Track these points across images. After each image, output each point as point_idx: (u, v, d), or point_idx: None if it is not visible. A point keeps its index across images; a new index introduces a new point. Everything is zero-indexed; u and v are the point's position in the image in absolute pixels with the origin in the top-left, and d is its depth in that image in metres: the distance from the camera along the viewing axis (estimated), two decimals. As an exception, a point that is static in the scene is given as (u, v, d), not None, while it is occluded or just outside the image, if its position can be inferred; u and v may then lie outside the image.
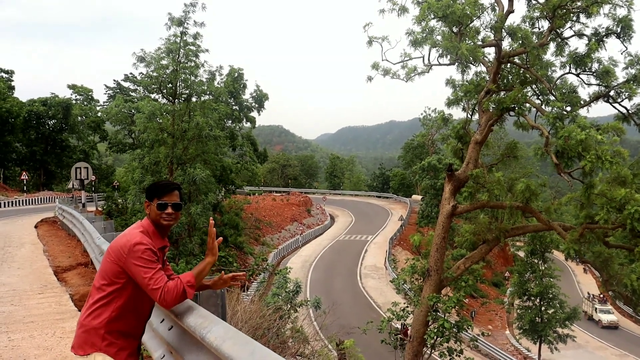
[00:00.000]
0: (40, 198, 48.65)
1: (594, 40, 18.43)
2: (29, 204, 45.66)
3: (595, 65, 18.65)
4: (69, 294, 10.20)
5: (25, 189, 54.34)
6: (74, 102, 67.19)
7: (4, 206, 42.63)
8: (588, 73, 18.94)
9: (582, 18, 18.66)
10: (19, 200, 45.45)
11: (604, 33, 18.52)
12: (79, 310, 8.82)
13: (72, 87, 70.22)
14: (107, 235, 10.18)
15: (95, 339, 3.34)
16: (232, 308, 8.20)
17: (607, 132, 16.94)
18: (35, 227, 23.58)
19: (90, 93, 71.28)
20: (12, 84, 65.10)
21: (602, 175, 17.63)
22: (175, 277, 3.67)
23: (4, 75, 64.71)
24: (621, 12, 18.03)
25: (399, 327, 34.44)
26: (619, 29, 18.26)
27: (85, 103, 70.01)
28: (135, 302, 3.48)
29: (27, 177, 54.43)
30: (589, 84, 19.20)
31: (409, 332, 35.47)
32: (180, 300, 3.36)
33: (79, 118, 66.74)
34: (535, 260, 39.14)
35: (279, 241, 58.93)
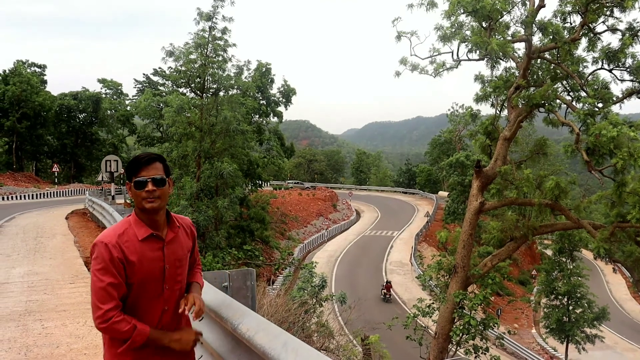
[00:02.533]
0: (71, 190, 49.59)
1: (628, 35, 18.03)
2: (60, 195, 46.58)
3: (629, 61, 18.26)
4: (100, 284, 10.37)
5: (56, 181, 55.49)
6: (103, 96, 68.21)
7: (36, 198, 43.56)
8: (621, 69, 18.56)
9: (616, 12, 18.26)
10: (51, 192, 46.38)
11: (638, 28, 18.13)
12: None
13: (102, 81, 71.25)
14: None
15: (107, 355, 2.89)
16: (258, 301, 8.27)
17: (640, 129, 16.61)
18: (66, 218, 24.04)
19: (120, 87, 72.26)
20: (45, 78, 66.33)
21: (634, 173, 17.33)
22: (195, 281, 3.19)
23: (37, 69, 65.92)
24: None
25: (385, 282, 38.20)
26: (654, 24, 17.88)
27: (115, 97, 71.00)
28: (137, 315, 2.84)
29: (58, 170, 55.56)
30: (622, 80, 18.82)
31: (391, 288, 38.53)
32: (117, 337, 2.77)
33: (109, 112, 67.72)
34: (563, 259, 38.58)
35: (304, 236, 59.07)
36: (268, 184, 66.19)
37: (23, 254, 14.25)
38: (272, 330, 3.02)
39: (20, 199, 41.81)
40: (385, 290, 39.05)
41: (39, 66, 66.71)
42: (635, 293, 57.11)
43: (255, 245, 45.94)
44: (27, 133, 59.34)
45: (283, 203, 65.29)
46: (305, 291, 17.94)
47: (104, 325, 2.68)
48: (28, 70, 62.99)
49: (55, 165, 55.33)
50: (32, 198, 43.04)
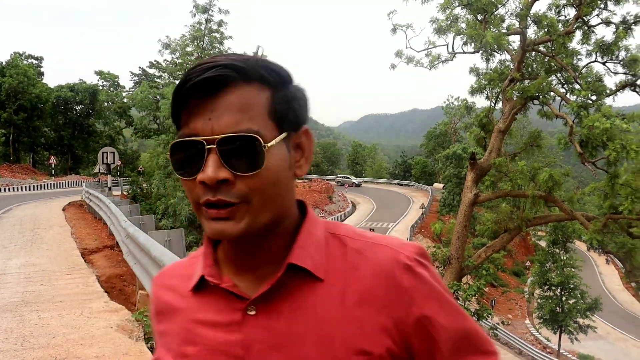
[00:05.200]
0: (68, 182, 49.59)
1: (621, 28, 18.18)
2: (57, 187, 46.54)
3: (623, 54, 18.43)
4: (96, 275, 10.46)
5: (53, 172, 55.43)
6: (100, 88, 68.05)
7: (34, 189, 43.53)
8: (615, 61, 18.71)
9: (610, 5, 18.40)
10: (48, 184, 46.37)
11: (632, 20, 18.26)
12: (105, 291, 9.10)
13: (99, 73, 71.05)
14: (133, 219, 10.44)
15: None
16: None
17: (632, 121, 16.79)
18: (63, 210, 24.08)
19: (117, 79, 72.08)
20: (42, 70, 66.19)
21: (627, 165, 17.49)
22: None
23: (34, 61, 65.74)
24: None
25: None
26: (648, 17, 18.01)
27: (112, 89, 70.85)
28: None
29: (55, 161, 55.55)
30: (616, 73, 19.00)
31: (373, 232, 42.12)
32: None
33: (106, 104, 67.59)
34: (557, 250, 38.84)
35: (300, 227, 59.12)
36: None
37: (20, 245, 14.31)
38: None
39: (17, 190, 41.78)
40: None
41: (36, 58, 66.56)
42: (627, 284, 57.42)
43: (252, 237, 45.99)
44: (24, 125, 59.24)
45: (279, 195, 65.30)
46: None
47: None
48: (25, 62, 62.81)
49: (52, 157, 55.30)
50: (29, 190, 43.01)
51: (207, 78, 0.85)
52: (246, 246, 0.94)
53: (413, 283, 0.92)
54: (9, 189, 41.55)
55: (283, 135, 0.90)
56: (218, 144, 0.85)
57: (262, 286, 0.92)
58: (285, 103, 0.91)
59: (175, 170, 0.91)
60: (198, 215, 0.91)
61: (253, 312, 0.92)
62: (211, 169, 0.84)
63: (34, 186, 44.53)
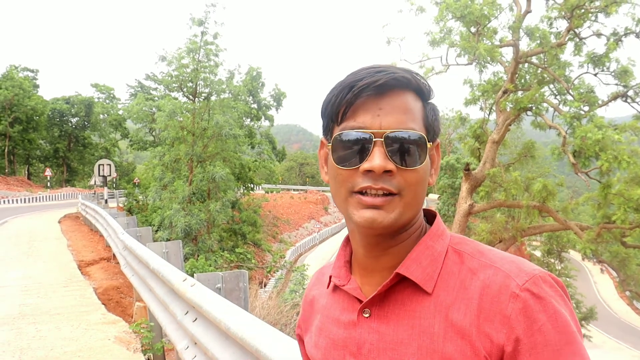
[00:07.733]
0: (63, 194, 49.51)
1: (612, 39, 18.39)
2: (52, 199, 46.50)
3: (614, 65, 18.59)
4: (93, 287, 10.50)
5: (48, 185, 55.34)
6: (96, 100, 68.10)
7: (29, 202, 43.46)
8: (606, 73, 18.89)
9: (601, 17, 18.64)
10: (43, 196, 46.30)
11: (622, 33, 18.47)
12: (103, 304, 9.15)
13: (95, 85, 71.15)
14: (131, 231, 10.47)
15: None
16: (250, 304, 8.42)
17: (624, 132, 16.98)
18: (59, 222, 24.11)
19: (112, 91, 72.11)
20: (37, 82, 66.27)
21: (619, 175, 17.65)
22: None
23: (30, 74, 65.84)
24: (641, 11, 18.01)
25: None
26: (637, 29, 18.22)
27: (107, 101, 70.87)
28: None
29: (50, 174, 55.49)
30: (607, 84, 19.17)
31: None
32: None
33: (101, 116, 67.63)
34: (552, 260, 38.95)
35: (296, 238, 59.14)
36: (260, 187, 66.35)
37: (16, 258, 14.34)
38: (265, 329, 3.05)
39: (13, 203, 41.70)
40: None
41: (32, 70, 66.68)
42: (622, 293, 57.63)
43: (247, 248, 45.95)
44: (19, 137, 59.20)
45: (275, 206, 65.34)
46: (297, 293, 18.08)
47: None
48: (20, 74, 62.89)
49: (48, 170, 55.26)
50: (25, 202, 42.96)
51: (380, 80, 0.97)
52: (376, 247, 1.04)
53: (515, 313, 0.90)
54: (4, 201, 41.48)
55: (436, 142, 1.07)
56: (385, 138, 0.96)
57: (380, 290, 1.01)
58: (433, 115, 1.04)
59: (336, 161, 1.01)
60: (345, 205, 1.01)
61: (367, 315, 1.03)
62: (380, 159, 0.95)
63: (29, 198, 44.46)
